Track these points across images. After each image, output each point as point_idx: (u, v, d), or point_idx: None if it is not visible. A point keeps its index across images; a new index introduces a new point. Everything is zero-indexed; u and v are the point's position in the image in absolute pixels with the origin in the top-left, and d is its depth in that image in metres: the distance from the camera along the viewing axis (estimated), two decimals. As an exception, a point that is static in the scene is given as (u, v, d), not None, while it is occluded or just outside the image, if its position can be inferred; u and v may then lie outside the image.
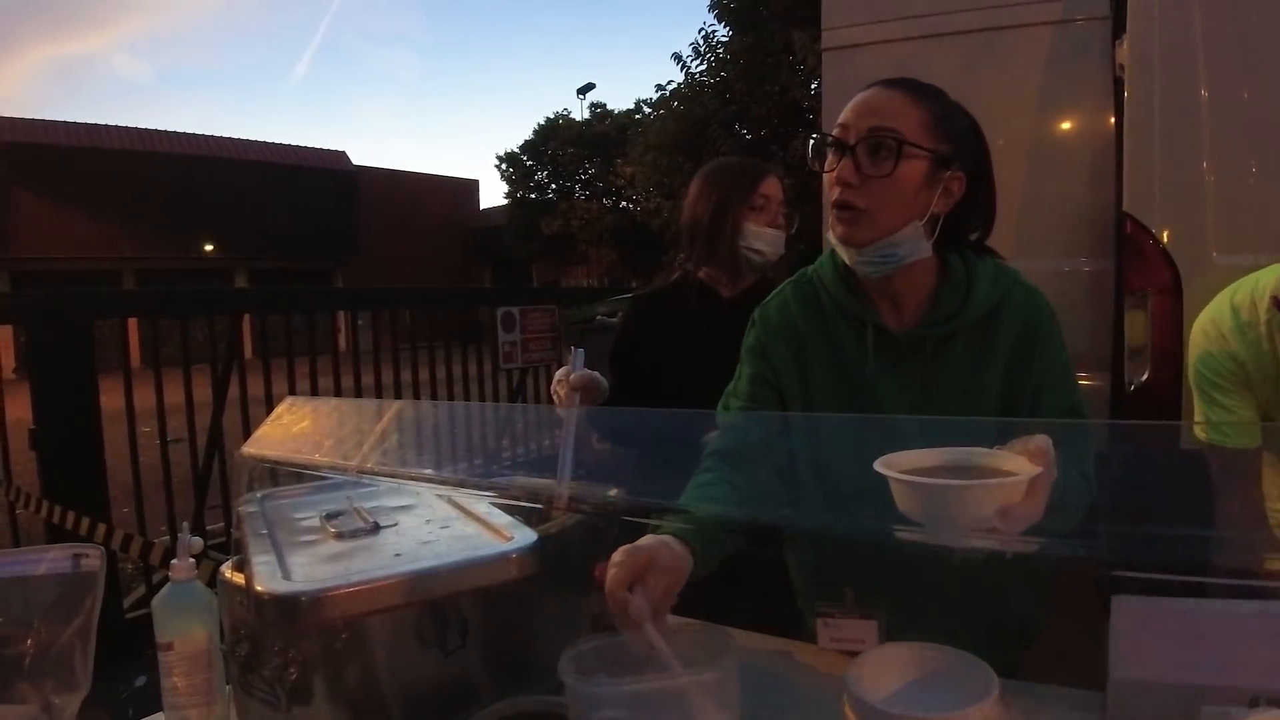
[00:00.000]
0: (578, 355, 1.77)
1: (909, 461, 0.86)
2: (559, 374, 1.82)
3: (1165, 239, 2.56)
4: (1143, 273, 2.60)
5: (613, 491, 1.09)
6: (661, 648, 0.92)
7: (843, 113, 1.23)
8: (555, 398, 1.81)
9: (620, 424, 1.44)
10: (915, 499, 0.83)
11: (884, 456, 0.86)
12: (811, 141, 1.29)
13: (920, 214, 1.20)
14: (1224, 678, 1.00)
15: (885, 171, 1.17)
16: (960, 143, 1.23)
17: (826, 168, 1.24)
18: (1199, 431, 1.66)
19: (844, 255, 1.25)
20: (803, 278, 1.40)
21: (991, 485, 0.82)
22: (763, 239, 1.93)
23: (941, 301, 1.26)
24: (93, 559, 1.06)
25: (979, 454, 0.88)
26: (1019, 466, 0.84)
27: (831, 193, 1.22)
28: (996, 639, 1.09)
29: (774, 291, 1.43)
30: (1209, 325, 1.67)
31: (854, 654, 1.22)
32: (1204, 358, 1.67)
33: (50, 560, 1.06)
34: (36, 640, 1.01)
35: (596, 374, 1.84)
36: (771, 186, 1.96)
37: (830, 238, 1.26)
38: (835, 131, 1.22)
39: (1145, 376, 2.58)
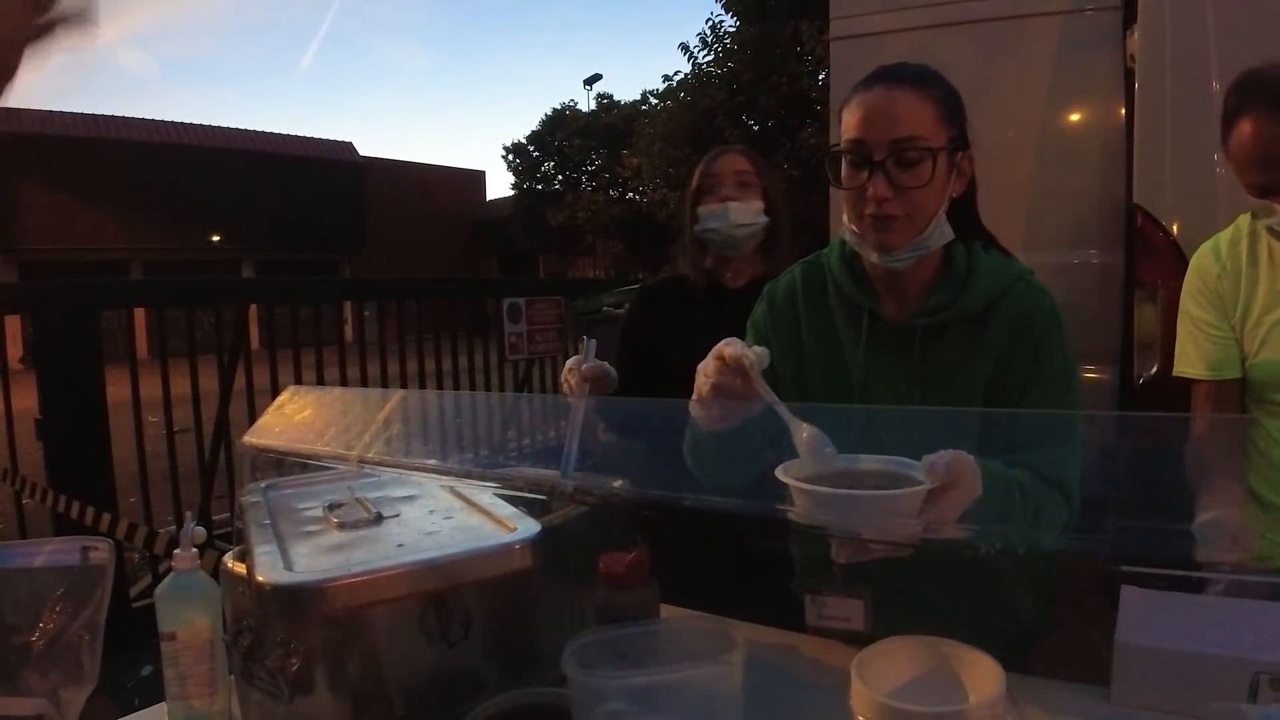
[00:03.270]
0: (589, 345, 1.76)
1: (812, 469, 0.90)
2: (570, 363, 1.82)
3: (1176, 231, 2.55)
4: (1153, 265, 2.58)
5: (617, 483, 1.09)
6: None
7: (855, 124, 1.19)
8: (565, 387, 1.81)
9: (626, 414, 1.43)
10: (803, 503, 0.86)
11: (785, 464, 0.90)
12: (829, 157, 1.25)
13: (943, 203, 1.21)
14: (1226, 650, 1.00)
15: (923, 181, 1.16)
16: (962, 121, 1.22)
17: (846, 182, 1.21)
18: (1181, 368, 1.68)
19: (873, 258, 1.23)
20: (816, 259, 1.40)
21: (864, 496, 0.85)
22: (712, 217, 1.89)
23: (938, 293, 1.25)
24: (101, 551, 1.05)
25: (896, 463, 0.90)
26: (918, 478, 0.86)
27: (864, 207, 1.19)
28: (1002, 636, 1.08)
29: (787, 269, 1.44)
30: (1196, 256, 1.69)
31: (845, 632, 1.23)
32: (1187, 282, 1.68)
33: (58, 552, 1.05)
34: (43, 632, 1.00)
35: (607, 365, 1.84)
36: (722, 164, 1.93)
37: (851, 238, 1.25)
38: (853, 146, 1.20)
39: (1154, 370, 2.57)
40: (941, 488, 0.85)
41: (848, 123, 1.21)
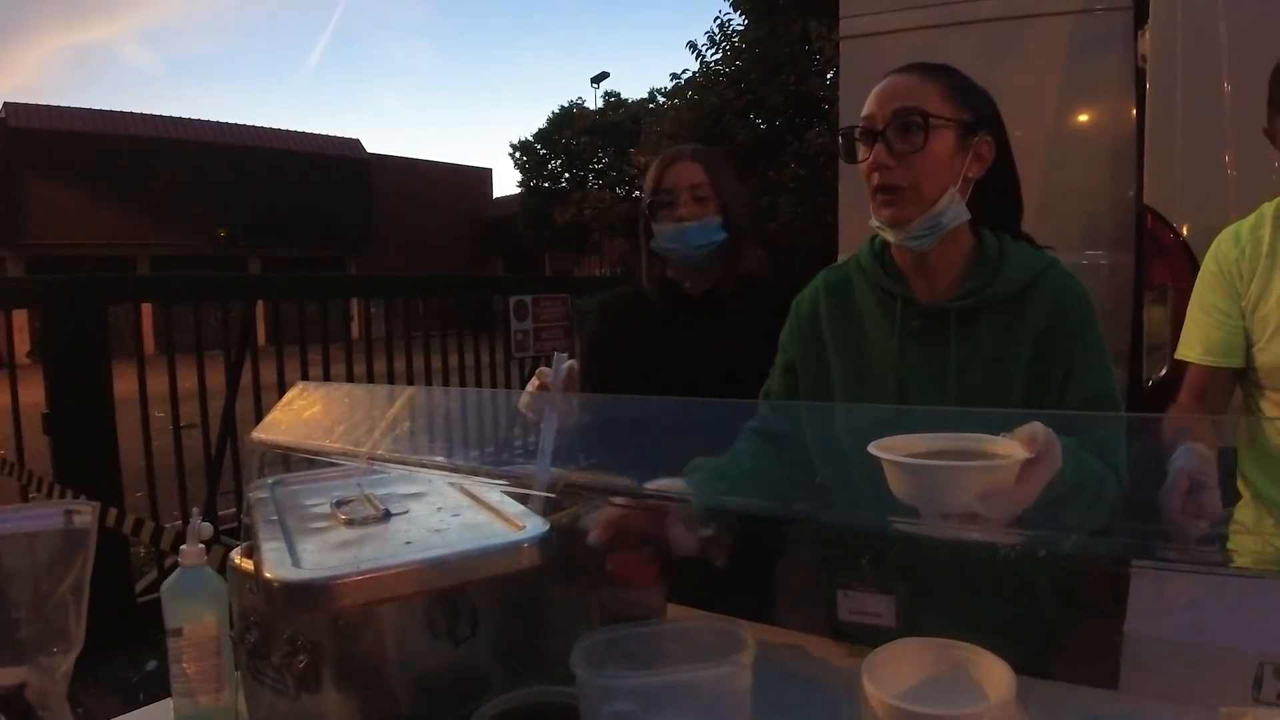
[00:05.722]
0: (559, 362, 1.67)
1: (904, 445, 0.87)
2: (540, 374, 1.72)
3: (1186, 233, 2.54)
4: (1163, 267, 2.57)
5: (616, 479, 1.09)
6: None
7: (865, 106, 1.26)
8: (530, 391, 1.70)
9: (618, 412, 1.42)
10: (901, 480, 0.84)
11: (880, 440, 0.88)
12: (841, 135, 1.31)
13: (955, 181, 1.24)
14: (1232, 641, 1.00)
15: (917, 146, 1.21)
16: (981, 110, 1.27)
17: (860, 158, 1.27)
18: (1181, 351, 1.68)
19: (890, 236, 1.28)
20: (841, 265, 1.45)
21: (972, 468, 0.83)
22: (665, 236, 1.79)
23: (972, 276, 1.28)
24: (85, 515, 1.04)
25: (976, 439, 0.89)
26: (1011, 452, 0.85)
27: (870, 179, 1.25)
28: (1021, 636, 1.08)
29: (824, 270, 1.47)
30: (1215, 241, 1.67)
31: (861, 632, 1.23)
32: (1204, 267, 1.66)
33: (42, 517, 1.04)
34: (30, 598, 1.00)
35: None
36: (676, 175, 1.81)
37: (875, 223, 1.28)
38: (862, 123, 1.26)
39: (1164, 372, 2.56)
40: (1032, 459, 0.84)
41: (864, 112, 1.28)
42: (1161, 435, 1.10)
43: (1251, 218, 1.63)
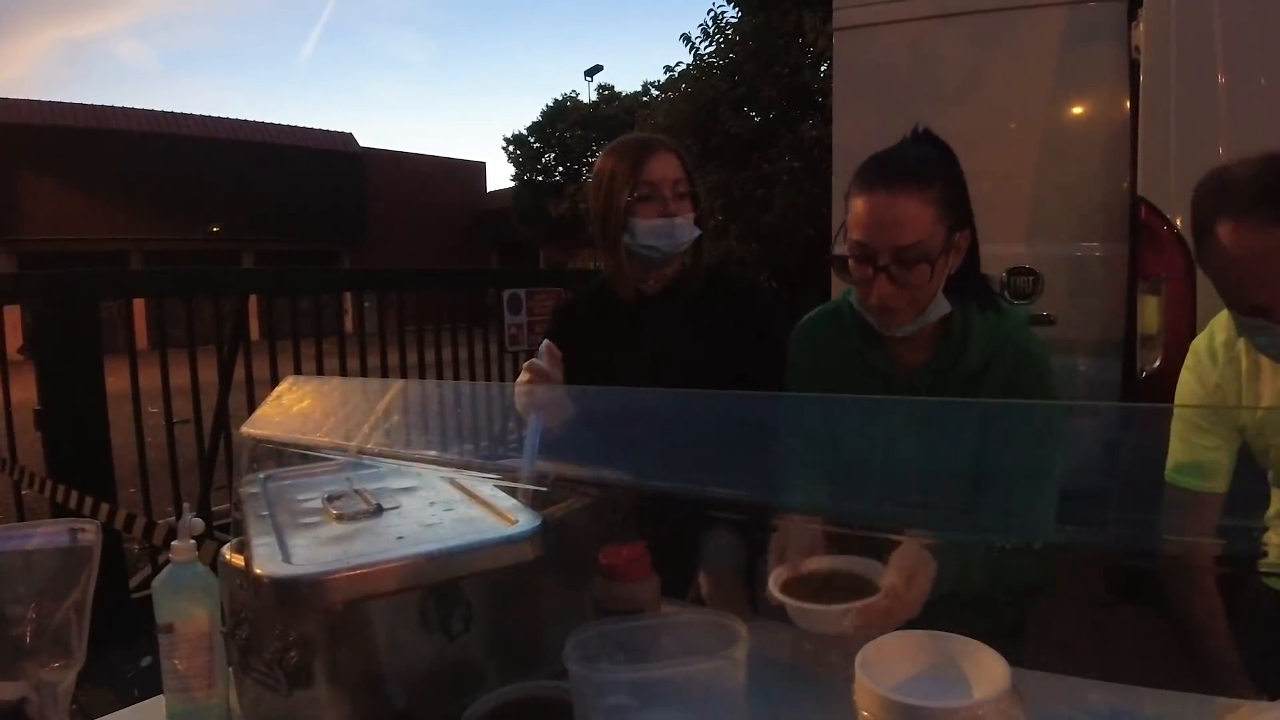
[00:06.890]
0: (543, 349, 1.61)
1: (813, 564, 1.21)
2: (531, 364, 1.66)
3: (1180, 224, 2.53)
4: (1157, 258, 2.57)
5: (608, 475, 1.08)
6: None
7: (859, 226, 1.30)
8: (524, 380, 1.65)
9: (604, 405, 1.41)
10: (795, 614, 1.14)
11: (783, 574, 1.18)
12: (834, 259, 1.37)
13: (941, 283, 1.32)
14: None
15: (923, 280, 1.28)
16: (959, 202, 1.32)
17: (854, 274, 1.33)
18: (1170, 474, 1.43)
19: (878, 328, 1.37)
20: (832, 310, 1.53)
21: (838, 612, 1.10)
22: (653, 233, 1.68)
23: (937, 355, 1.40)
24: (89, 533, 1.05)
25: (868, 565, 1.17)
26: (884, 584, 1.12)
27: (869, 298, 1.31)
28: (993, 624, 1.09)
29: (815, 311, 1.56)
30: (1191, 351, 1.50)
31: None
32: (1182, 388, 1.51)
33: (47, 535, 1.05)
34: (33, 615, 1.00)
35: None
36: (658, 168, 1.69)
37: (859, 307, 1.37)
38: (858, 248, 1.31)
39: (1157, 363, 2.56)
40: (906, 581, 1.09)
41: (852, 220, 1.32)
42: (1149, 427, 1.12)
43: (1224, 329, 1.47)
